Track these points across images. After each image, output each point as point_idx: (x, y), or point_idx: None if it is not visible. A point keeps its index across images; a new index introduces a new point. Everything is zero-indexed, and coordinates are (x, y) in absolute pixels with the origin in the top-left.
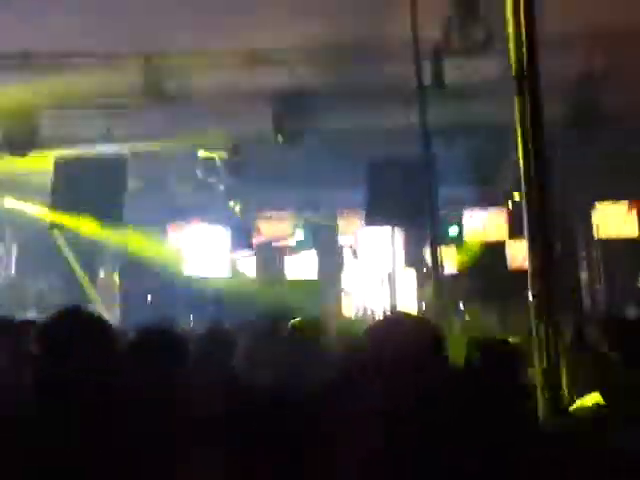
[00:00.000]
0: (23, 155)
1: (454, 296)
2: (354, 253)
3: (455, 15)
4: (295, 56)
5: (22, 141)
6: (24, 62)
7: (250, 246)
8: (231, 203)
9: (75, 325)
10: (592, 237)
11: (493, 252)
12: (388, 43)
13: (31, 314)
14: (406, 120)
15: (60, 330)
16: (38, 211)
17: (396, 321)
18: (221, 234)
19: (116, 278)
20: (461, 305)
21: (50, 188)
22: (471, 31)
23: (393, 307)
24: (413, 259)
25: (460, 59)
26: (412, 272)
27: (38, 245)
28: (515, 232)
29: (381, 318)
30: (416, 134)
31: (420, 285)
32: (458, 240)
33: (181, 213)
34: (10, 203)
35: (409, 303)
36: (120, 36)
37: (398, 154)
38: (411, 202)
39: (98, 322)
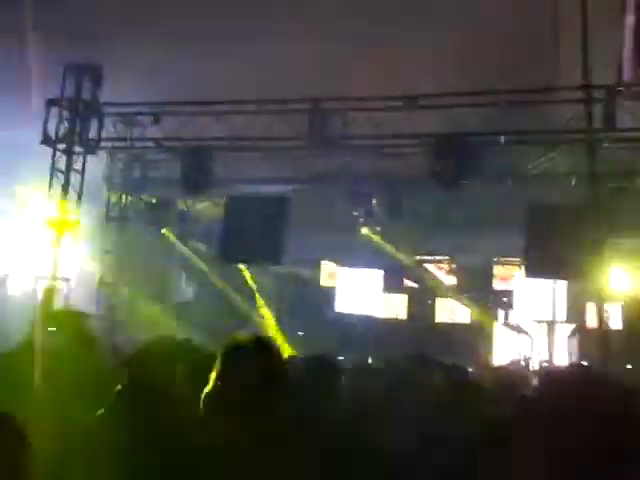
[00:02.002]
0: (198, 194)
1: (619, 352)
2: (509, 301)
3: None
4: (456, 101)
5: (199, 181)
6: (203, 109)
7: (402, 288)
8: (385, 245)
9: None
10: None
11: None
12: (553, 86)
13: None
14: (570, 165)
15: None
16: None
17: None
18: (374, 275)
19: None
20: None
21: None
22: None
23: (550, 360)
24: (575, 312)
25: (635, 102)
26: (572, 326)
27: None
28: None
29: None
30: (582, 179)
31: (581, 340)
32: (625, 295)
33: (336, 252)
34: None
35: (568, 357)
36: (288, 83)
37: (560, 200)
38: (577, 254)
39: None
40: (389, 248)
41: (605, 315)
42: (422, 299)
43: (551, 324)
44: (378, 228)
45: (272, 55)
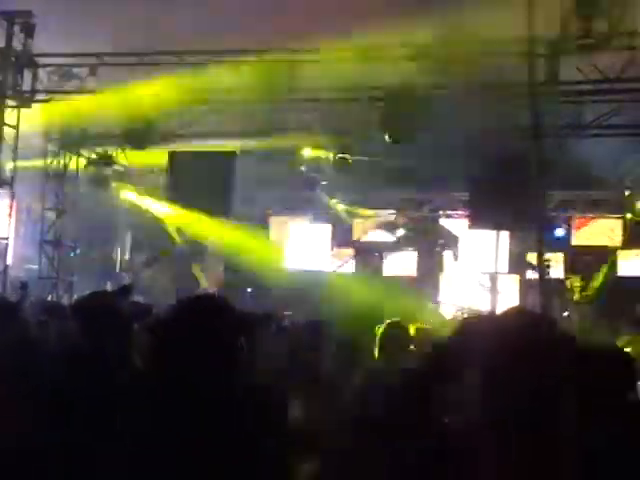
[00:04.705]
0: (141, 149)
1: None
2: (455, 254)
3: (576, 10)
4: (406, 53)
5: (140, 137)
6: (142, 61)
7: (350, 243)
8: (333, 200)
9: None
10: None
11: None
12: (501, 40)
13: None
14: (517, 119)
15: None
16: (152, 205)
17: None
18: (322, 230)
19: (221, 270)
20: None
21: (166, 181)
22: (592, 26)
23: (493, 311)
24: (517, 263)
25: (578, 56)
26: (515, 277)
27: (151, 235)
28: (631, 241)
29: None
30: (527, 134)
31: (524, 289)
32: (564, 243)
33: (284, 208)
34: (128, 196)
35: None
36: (233, 35)
37: (505, 154)
38: (518, 205)
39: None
40: (337, 202)
41: (546, 265)
42: (370, 253)
43: (494, 275)
44: (326, 182)
45: (216, 3)
